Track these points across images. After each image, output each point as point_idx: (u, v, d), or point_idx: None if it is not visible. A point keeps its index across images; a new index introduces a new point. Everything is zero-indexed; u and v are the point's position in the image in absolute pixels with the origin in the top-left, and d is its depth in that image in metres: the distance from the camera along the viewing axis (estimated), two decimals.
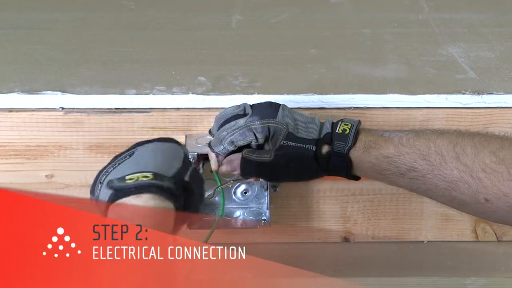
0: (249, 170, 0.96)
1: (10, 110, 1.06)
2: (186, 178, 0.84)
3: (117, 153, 0.87)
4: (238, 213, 1.11)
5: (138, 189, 0.79)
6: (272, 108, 0.97)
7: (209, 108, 1.07)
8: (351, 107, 1.07)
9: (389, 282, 1.02)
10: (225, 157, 0.97)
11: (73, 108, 1.06)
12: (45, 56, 1.22)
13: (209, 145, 0.98)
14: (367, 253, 1.12)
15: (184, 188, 0.84)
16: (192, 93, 1.08)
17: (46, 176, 1.09)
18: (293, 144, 0.95)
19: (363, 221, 1.13)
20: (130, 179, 0.80)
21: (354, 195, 1.12)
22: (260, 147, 0.97)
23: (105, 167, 0.85)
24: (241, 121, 0.96)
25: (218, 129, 0.98)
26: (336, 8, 1.45)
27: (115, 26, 1.36)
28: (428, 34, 1.32)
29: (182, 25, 1.36)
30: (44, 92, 1.07)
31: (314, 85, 1.11)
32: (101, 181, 0.84)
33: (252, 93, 1.08)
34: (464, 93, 1.08)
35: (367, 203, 1.12)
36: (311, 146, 0.95)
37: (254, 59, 1.22)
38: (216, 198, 1.09)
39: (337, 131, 0.95)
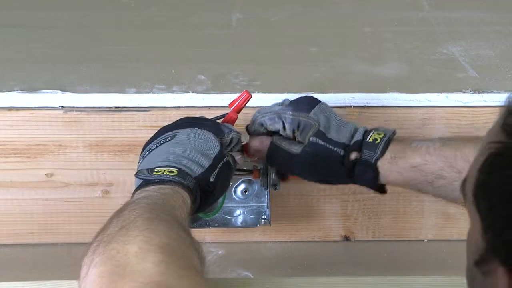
0: (275, 156, 0.98)
1: (10, 108, 1.06)
2: (212, 178, 0.89)
3: (163, 127, 0.93)
4: (238, 211, 1.10)
5: (161, 182, 0.85)
6: (309, 104, 0.98)
7: (209, 107, 1.07)
8: (351, 106, 1.07)
9: (389, 281, 1.02)
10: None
11: (73, 107, 1.06)
12: (45, 54, 1.22)
13: (246, 127, 1.00)
14: (367, 252, 1.12)
15: (205, 189, 0.88)
16: (192, 92, 1.07)
17: (46, 175, 1.09)
18: (322, 143, 0.95)
19: (363, 220, 1.13)
20: (157, 171, 0.86)
21: (354, 194, 1.12)
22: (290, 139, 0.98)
23: (151, 140, 0.92)
24: (276, 107, 0.98)
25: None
26: (336, 7, 1.45)
27: (115, 25, 1.36)
28: (429, 33, 1.32)
29: (182, 23, 1.36)
30: (44, 90, 1.07)
31: (314, 83, 1.11)
32: (144, 155, 0.91)
33: (252, 92, 1.07)
34: (464, 92, 1.08)
35: (368, 201, 1.12)
36: (340, 149, 0.95)
37: (254, 57, 1.22)
38: None
39: (368, 139, 0.94)
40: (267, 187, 1.07)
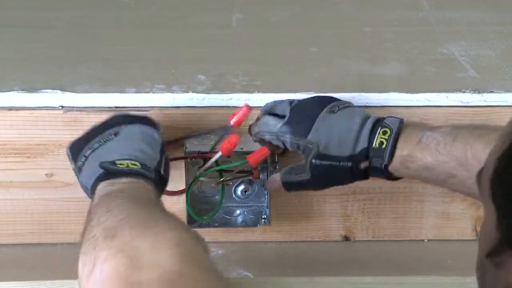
0: (292, 188, 1.00)
1: (10, 108, 1.06)
2: (162, 171, 0.91)
3: (95, 125, 0.94)
4: (238, 211, 1.10)
5: (128, 174, 0.86)
6: (307, 120, 0.96)
7: (209, 107, 1.07)
8: None
9: (389, 281, 1.02)
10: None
11: (73, 107, 1.06)
12: (45, 54, 1.22)
13: (249, 128, 1.02)
14: (367, 252, 1.12)
15: (160, 180, 0.90)
16: (192, 92, 1.07)
17: (46, 175, 1.09)
18: (327, 163, 0.94)
19: (363, 220, 1.13)
20: (121, 164, 0.86)
21: (354, 194, 1.12)
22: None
23: (87, 140, 0.92)
24: (275, 127, 0.98)
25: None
26: (336, 7, 1.45)
27: (115, 25, 1.36)
28: (429, 33, 1.32)
29: (182, 23, 1.36)
30: (44, 90, 1.07)
31: (314, 83, 1.10)
32: (86, 154, 0.91)
33: (252, 92, 1.08)
34: (464, 92, 1.08)
35: (367, 201, 1.12)
36: (346, 163, 0.94)
37: (254, 57, 1.21)
38: (216, 196, 1.09)
39: (374, 145, 0.93)
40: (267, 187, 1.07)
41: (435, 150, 0.90)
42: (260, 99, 1.05)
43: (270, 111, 1.01)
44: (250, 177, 1.07)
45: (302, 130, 0.96)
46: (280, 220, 1.12)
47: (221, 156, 1.00)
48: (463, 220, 1.13)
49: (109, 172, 0.86)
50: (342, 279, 1.02)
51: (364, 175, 0.95)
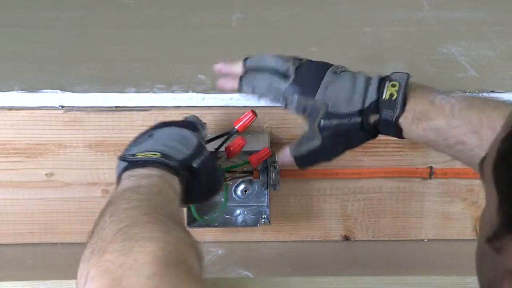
0: (304, 162, 0.97)
1: (10, 108, 1.06)
2: (195, 164, 0.88)
3: (139, 133, 0.94)
4: (238, 211, 1.10)
5: (145, 162, 0.85)
6: (315, 81, 0.94)
7: (209, 107, 1.07)
8: None
9: (389, 281, 1.02)
10: None
11: (73, 107, 1.06)
12: (45, 54, 1.22)
13: (240, 79, 0.98)
14: (367, 252, 1.12)
15: (190, 171, 0.87)
16: (192, 92, 1.07)
17: (46, 174, 1.09)
18: (336, 121, 0.92)
19: (363, 219, 1.13)
20: (139, 155, 0.86)
21: (354, 194, 1.12)
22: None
23: (127, 147, 0.92)
24: (281, 84, 0.95)
25: (252, 69, 0.98)
26: (336, 7, 1.45)
27: (115, 25, 1.36)
28: (429, 33, 1.32)
29: (182, 23, 1.36)
30: (44, 90, 1.07)
31: None
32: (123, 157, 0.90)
33: None
34: (464, 92, 1.08)
35: (367, 201, 1.12)
36: (356, 118, 0.92)
37: None
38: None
39: (383, 97, 0.90)
40: (267, 187, 1.06)
41: (449, 112, 0.88)
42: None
43: (269, 67, 0.97)
44: (251, 177, 1.07)
45: (310, 90, 0.94)
46: (280, 220, 1.12)
47: (226, 158, 1.00)
48: (463, 220, 1.13)
49: (129, 162, 0.86)
50: (342, 279, 1.02)
51: (374, 131, 0.93)
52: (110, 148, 1.07)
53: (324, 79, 0.94)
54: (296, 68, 0.96)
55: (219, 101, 1.07)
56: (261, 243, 1.13)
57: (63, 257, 1.09)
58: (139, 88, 1.08)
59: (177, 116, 1.06)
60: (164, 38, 1.29)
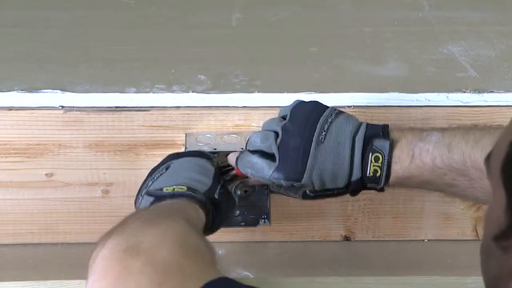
0: (278, 192, 1.00)
1: (10, 108, 1.06)
2: (216, 195, 0.92)
3: (153, 167, 0.97)
4: (238, 211, 1.10)
5: (174, 196, 0.88)
6: (298, 161, 0.92)
7: (209, 107, 1.07)
8: (351, 106, 1.07)
9: (390, 281, 1.02)
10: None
11: (73, 107, 1.06)
12: (45, 54, 1.22)
13: (236, 159, 0.97)
14: (368, 252, 1.11)
15: (214, 204, 0.91)
16: (192, 92, 1.07)
17: (46, 174, 1.09)
18: (322, 192, 0.94)
19: (363, 220, 1.13)
20: (167, 189, 0.89)
21: None
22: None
23: (145, 181, 0.95)
24: (265, 171, 0.93)
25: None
26: (336, 7, 1.45)
27: (115, 25, 1.36)
28: (429, 33, 1.32)
29: (182, 23, 1.36)
30: (44, 90, 1.07)
31: (314, 83, 1.10)
32: (142, 194, 0.93)
33: (252, 92, 1.07)
34: (464, 92, 1.08)
35: (368, 201, 1.12)
36: (341, 190, 0.94)
37: (254, 57, 1.21)
38: None
39: (368, 174, 0.92)
40: (267, 187, 1.06)
41: (432, 165, 0.90)
42: (260, 99, 1.06)
43: (255, 147, 0.95)
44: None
45: (295, 174, 0.92)
46: (280, 220, 1.12)
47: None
48: (463, 220, 1.13)
49: (156, 197, 0.89)
50: (342, 279, 1.02)
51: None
52: (110, 148, 1.07)
53: (309, 159, 0.92)
54: (278, 147, 0.93)
55: (219, 101, 1.07)
56: (261, 243, 1.13)
57: (63, 257, 1.09)
58: (139, 88, 1.08)
59: (177, 116, 1.06)
60: (164, 38, 1.29)
